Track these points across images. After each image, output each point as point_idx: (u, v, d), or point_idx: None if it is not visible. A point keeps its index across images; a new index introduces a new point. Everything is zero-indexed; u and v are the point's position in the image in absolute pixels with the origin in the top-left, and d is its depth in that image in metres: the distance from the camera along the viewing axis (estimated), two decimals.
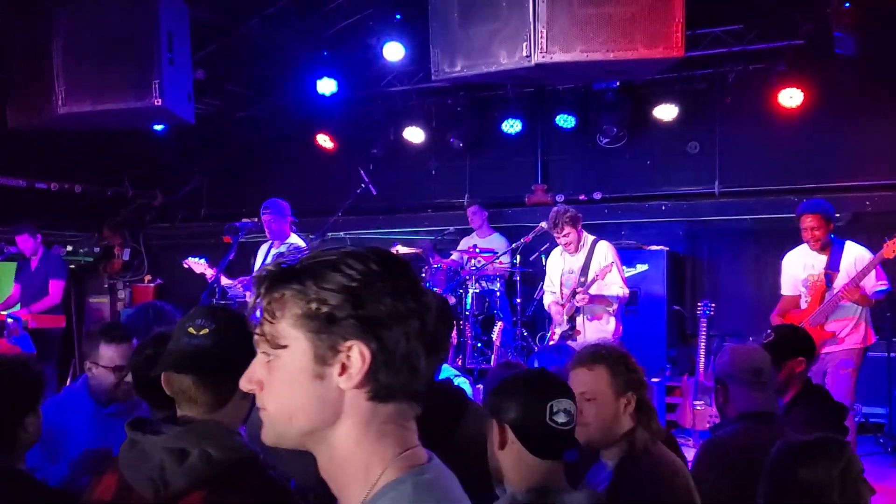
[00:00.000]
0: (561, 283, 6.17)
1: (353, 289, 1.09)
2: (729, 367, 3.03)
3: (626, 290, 6.02)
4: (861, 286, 5.13)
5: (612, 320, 6.00)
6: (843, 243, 5.37)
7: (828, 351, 5.22)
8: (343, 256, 1.11)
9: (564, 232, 5.95)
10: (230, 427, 1.85)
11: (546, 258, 6.63)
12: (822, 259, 5.35)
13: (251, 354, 1.17)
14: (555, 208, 6.24)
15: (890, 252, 5.05)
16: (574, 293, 5.94)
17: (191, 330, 1.84)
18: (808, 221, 5.29)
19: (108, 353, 3.07)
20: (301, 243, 6.81)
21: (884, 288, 5.26)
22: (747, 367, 2.98)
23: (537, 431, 1.93)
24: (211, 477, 1.68)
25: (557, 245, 6.20)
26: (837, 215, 7.01)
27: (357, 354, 1.08)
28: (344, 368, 1.09)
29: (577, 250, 6.06)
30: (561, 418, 1.94)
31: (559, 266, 6.22)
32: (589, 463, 2.44)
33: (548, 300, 6.33)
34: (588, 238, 6.11)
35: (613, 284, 5.92)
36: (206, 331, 1.84)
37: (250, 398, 2.01)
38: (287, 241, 6.69)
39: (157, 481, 1.68)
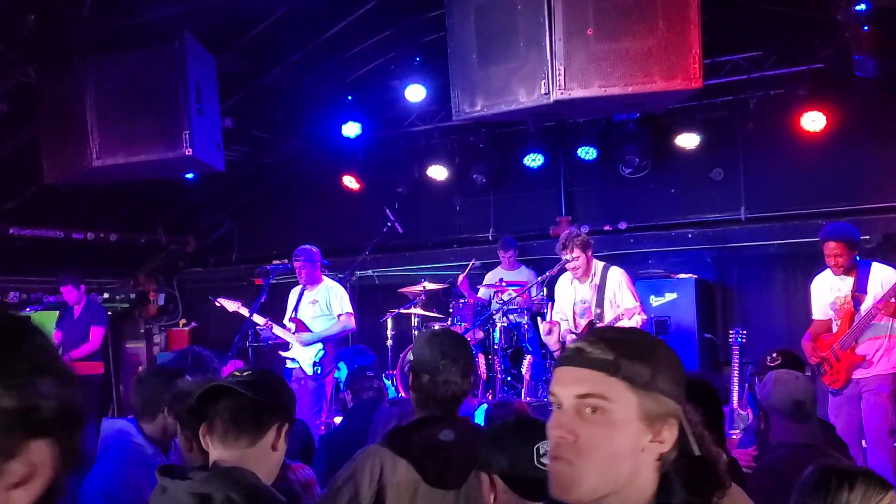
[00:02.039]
0: (574, 314, 5.99)
1: None
2: (770, 397, 3.01)
3: (644, 316, 5.83)
4: None
5: None
6: (870, 265, 5.25)
7: (860, 376, 5.12)
8: None
9: (574, 255, 5.77)
10: (258, 472, 1.93)
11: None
12: (848, 282, 5.24)
13: None
14: (566, 231, 6.10)
15: None
16: (592, 325, 5.76)
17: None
18: (830, 248, 5.19)
19: None
20: (335, 285, 6.97)
21: None
22: (789, 398, 2.96)
23: (527, 476, 1.95)
24: None
25: (565, 271, 6.00)
26: (867, 237, 6.95)
27: None
28: None
29: (585, 276, 5.88)
30: (548, 459, 1.97)
31: (570, 296, 6.03)
32: None
33: (562, 328, 6.06)
34: (598, 265, 5.91)
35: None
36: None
37: (281, 451, 2.09)
38: (319, 285, 6.89)
39: None
